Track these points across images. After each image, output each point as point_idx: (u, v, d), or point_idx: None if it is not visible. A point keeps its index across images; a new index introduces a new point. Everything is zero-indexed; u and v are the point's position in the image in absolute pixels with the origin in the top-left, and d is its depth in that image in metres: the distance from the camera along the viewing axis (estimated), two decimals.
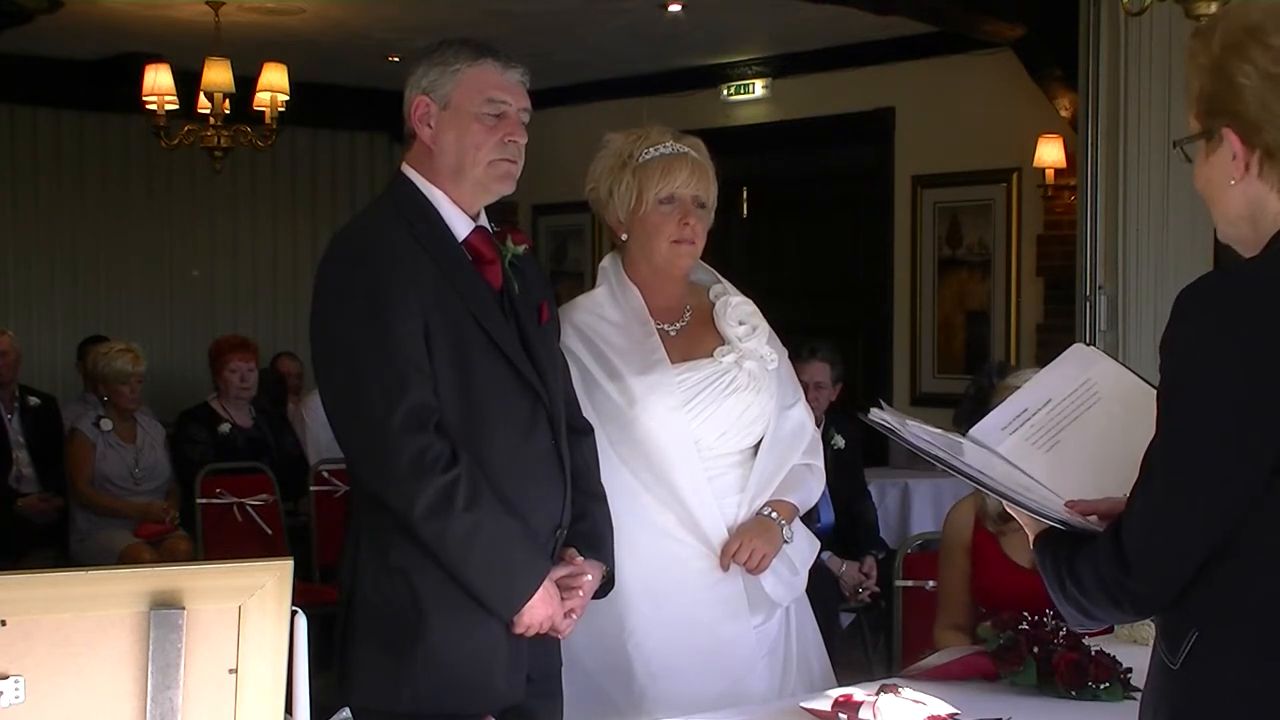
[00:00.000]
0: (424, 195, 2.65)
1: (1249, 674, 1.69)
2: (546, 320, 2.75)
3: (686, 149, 3.03)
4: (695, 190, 3.00)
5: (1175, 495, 1.70)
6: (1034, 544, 1.88)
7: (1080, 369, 2.00)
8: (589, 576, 2.69)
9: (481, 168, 2.64)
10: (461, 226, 2.65)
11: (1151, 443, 1.73)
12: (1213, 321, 1.69)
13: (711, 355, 3.01)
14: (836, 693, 2.57)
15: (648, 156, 2.99)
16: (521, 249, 2.73)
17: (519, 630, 2.58)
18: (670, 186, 2.98)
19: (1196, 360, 1.69)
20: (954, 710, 2.48)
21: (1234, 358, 1.67)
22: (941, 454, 1.93)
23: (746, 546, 2.92)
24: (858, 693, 2.51)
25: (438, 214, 2.64)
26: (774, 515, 2.99)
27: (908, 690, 2.51)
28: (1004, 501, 1.92)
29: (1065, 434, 1.92)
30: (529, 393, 2.63)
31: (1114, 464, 1.81)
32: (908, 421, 1.97)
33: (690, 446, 2.94)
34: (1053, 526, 1.85)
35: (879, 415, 1.95)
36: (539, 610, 2.56)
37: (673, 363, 2.97)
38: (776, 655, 3.03)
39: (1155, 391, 1.75)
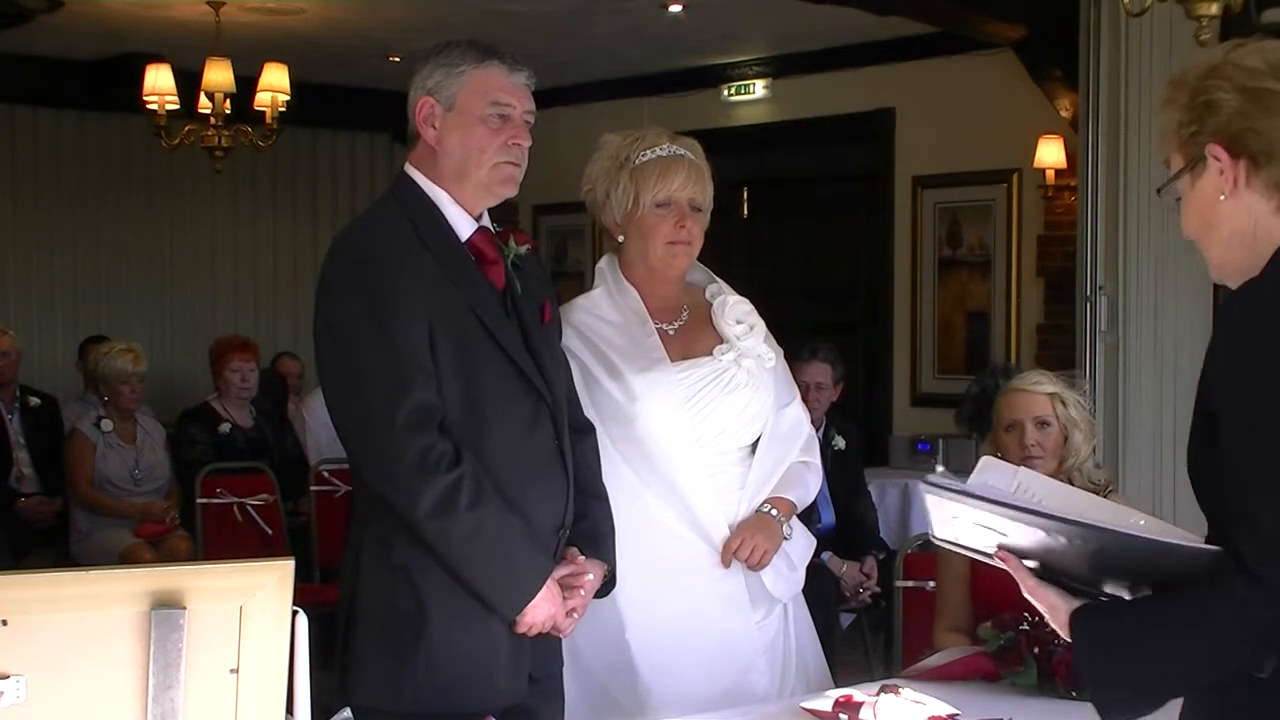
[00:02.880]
0: (427, 196, 2.65)
1: None
2: (549, 320, 2.76)
3: (683, 151, 3.03)
4: (691, 193, 3.00)
5: None
6: (1073, 623, 1.78)
7: (1008, 474, 2.02)
8: (590, 576, 2.70)
9: (485, 170, 2.64)
10: (465, 227, 2.65)
11: (1243, 460, 1.69)
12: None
13: (711, 353, 3.03)
14: (837, 693, 2.57)
15: (644, 159, 2.99)
16: (524, 249, 2.73)
17: (521, 630, 2.58)
18: (667, 190, 2.98)
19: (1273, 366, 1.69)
20: (954, 710, 2.48)
21: None
22: (1020, 504, 1.87)
23: (748, 543, 2.93)
24: (858, 693, 2.51)
25: (441, 214, 2.64)
26: (773, 512, 3.00)
27: (908, 690, 2.51)
28: (1028, 579, 1.86)
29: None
30: (532, 392, 2.63)
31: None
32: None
33: (691, 443, 2.95)
34: (1092, 603, 1.79)
35: (937, 480, 1.95)
36: (541, 610, 2.56)
37: (672, 361, 2.98)
38: (776, 652, 3.04)
39: (1067, 487, 1.78)
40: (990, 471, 2.03)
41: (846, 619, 5.95)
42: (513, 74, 2.66)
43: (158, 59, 7.49)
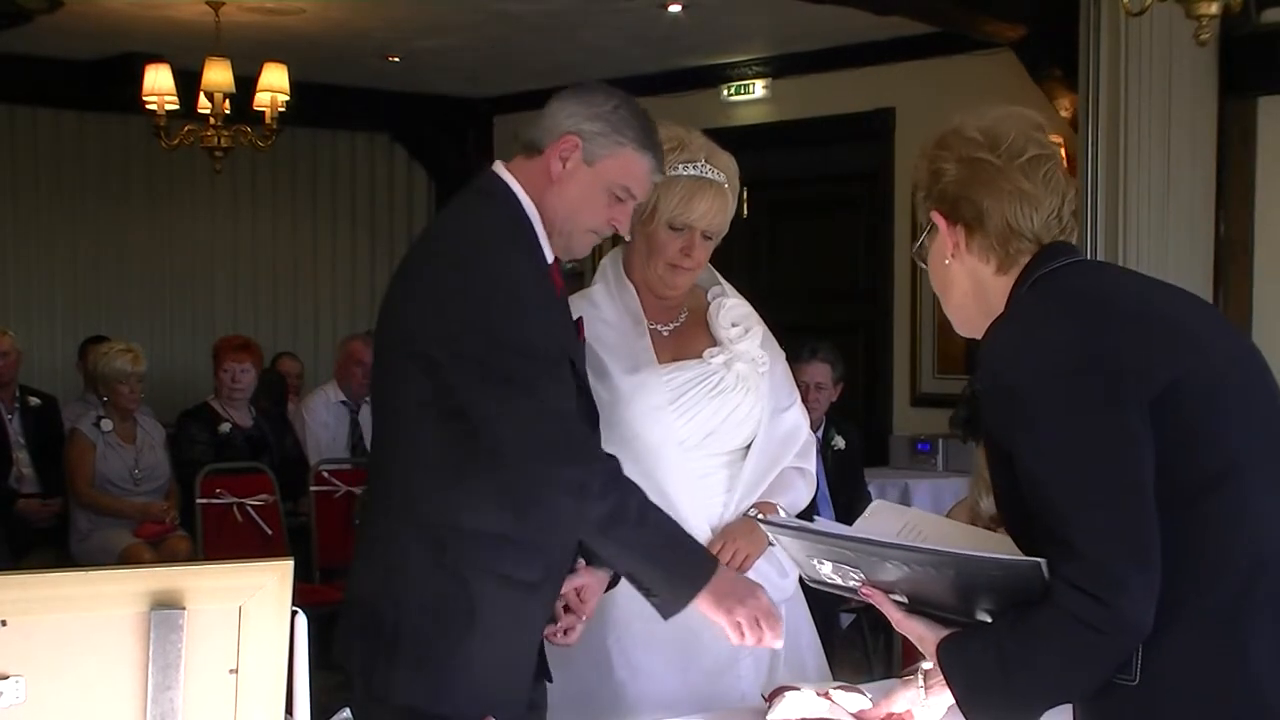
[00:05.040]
0: (528, 216, 2.58)
1: (1209, 671, 1.73)
2: (583, 337, 2.76)
3: (715, 174, 2.94)
4: (709, 223, 2.94)
5: (1114, 496, 1.73)
6: (939, 653, 1.86)
7: (898, 516, 2.07)
8: (592, 602, 2.73)
9: (579, 233, 2.61)
10: (548, 251, 2.61)
11: (1043, 491, 1.76)
12: (1046, 363, 1.80)
13: (701, 356, 3.00)
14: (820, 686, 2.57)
15: (675, 172, 2.90)
16: (569, 266, 2.74)
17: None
18: (686, 217, 2.91)
19: (1050, 398, 1.78)
20: (867, 705, 2.47)
21: (1083, 378, 1.76)
22: (851, 534, 1.98)
23: (730, 547, 2.88)
24: (801, 688, 2.51)
25: (536, 238, 2.59)
26: (760, 516, 2.93)
27: (854, 696, 2.49)
28: (894, 612, 1.92)
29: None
30: (585, 404, 2.63)
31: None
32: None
33: (675, 446, 2.91)
34: (954, 632, 1.85)
35: (775, 519, 2.03)
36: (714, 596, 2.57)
37: (663, 363, 2.96)
38: (762, 656, 2.97)
39: (963, 526, 1.89)
40: (879, 515, 2.09)
41: (846, 619, 5.96)
42: (654, 173, 2.64)
43: (157, 59, 7.50)
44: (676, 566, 2.54)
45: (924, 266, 2.08)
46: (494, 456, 2.48)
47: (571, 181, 2.58)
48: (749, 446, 3.01)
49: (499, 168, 2.63)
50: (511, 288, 2.47)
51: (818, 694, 2.49)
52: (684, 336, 3.03)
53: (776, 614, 2.59)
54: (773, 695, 2.53)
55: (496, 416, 2.46)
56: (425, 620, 2.52)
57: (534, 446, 2.46)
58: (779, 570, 2.99)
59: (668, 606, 2.55)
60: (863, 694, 2.50)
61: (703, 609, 2.55)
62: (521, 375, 2.45)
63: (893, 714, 2.41)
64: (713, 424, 2.95)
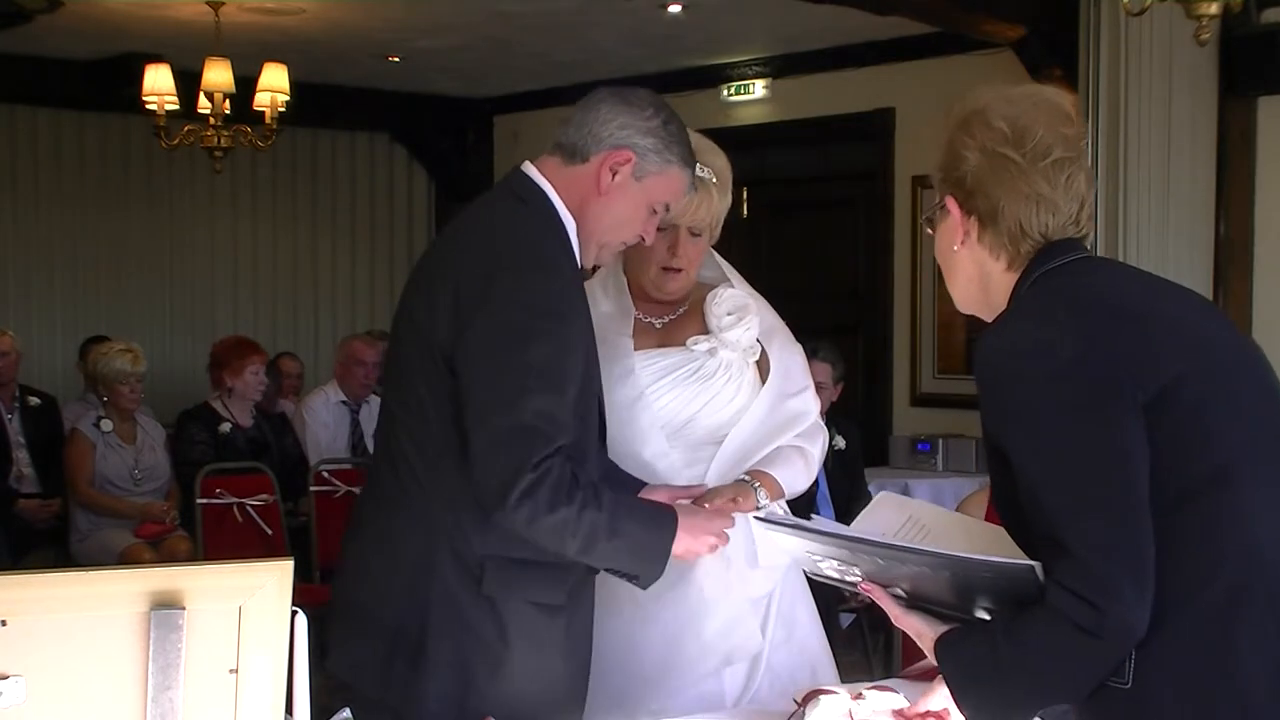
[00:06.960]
0: (563, 222, 2.54)
1: (1201, 674, 1.72)
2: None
3: (702, 170, 2.89)
4: (692, 220, 2.88)
5: (1108, 499, 1.72)
6: (936, 650, 1.85)
7: (901, 509, 2.07)
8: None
9: (613, 245, 2.61)
10: (578, 258, 2.58)
11: (1037, 492, 1.75)
12: (1041, 368, 1.78)
13: (684, 343, 2.94)
14: (815, 688, 2.56)
15: None
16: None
17: (690, 558, 2.60)
18: (669, 213, 2.83)
19: (1044, 400, 1.77)
20: (903, 703, 2.47)
21: (1079, 380, 1.75)
22: (847, 533, 1.97)
23: (712, 496, 2.79)
24: (838, 691, 2.50)
25: (571, 245, 2.55)
26: (746, 478, 2.86)
27: (888, 696, 2.48)
28: (894, 607, 1.92)
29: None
30: (597, 412, 2.61)
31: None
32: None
33: (655, 430, 2.86)
34: (951, 629, 1.85)
35: (769, 516, 2.02)
36: (683, 544, 2.54)
37: (648, 349, 2.92)
38: (741, 662, 2.93)
39: (967, 520, 1.90)
40: (882, 507, 2.09)
41: (846, 619, 5.96)
42: (690, 188, 2.67)
43: (157, 59, 7.50)
44: (650, 547, 2.51)
45: (930, 232, 2.06)
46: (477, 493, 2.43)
47: (618, 197, 2.54)
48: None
49: (530, 169, 2.57)
50: (554, 342, 2.40)
51: (852, 696, 2.48)
52: (676, 327, 2.98)
53: (728, 523, 2.62)
54: (806, 698, 2.50)
55: (484, 452, 2.39)
56: (452, 648, 2.47)
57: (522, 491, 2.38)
58: (750, 560, 2.90)
59: (647, 580, 2.53)
60: (896, 693, 2.49)
61: (679, 557, 2.55)
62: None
63: (930, 712, 2.39)
64: (691, 409, 2.89)
